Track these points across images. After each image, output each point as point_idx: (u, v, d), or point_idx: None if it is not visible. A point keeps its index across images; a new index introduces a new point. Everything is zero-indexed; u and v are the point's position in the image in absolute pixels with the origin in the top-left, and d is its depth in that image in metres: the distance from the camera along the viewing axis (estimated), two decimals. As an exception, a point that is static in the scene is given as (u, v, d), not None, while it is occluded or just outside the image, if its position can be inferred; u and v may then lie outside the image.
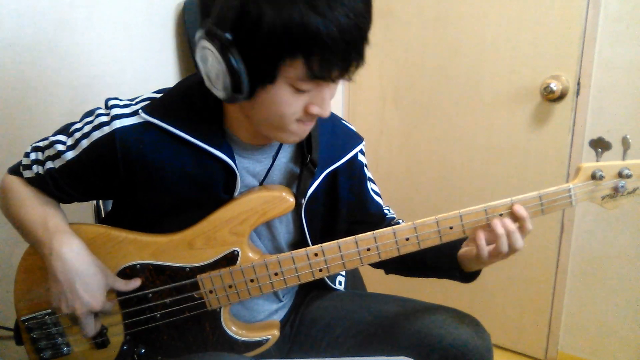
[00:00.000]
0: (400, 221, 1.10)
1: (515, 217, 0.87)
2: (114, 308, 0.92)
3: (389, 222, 1.09)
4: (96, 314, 0.89)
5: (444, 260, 0.97)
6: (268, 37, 0.69)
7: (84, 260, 0.85)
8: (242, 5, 0.68)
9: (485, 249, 0.87)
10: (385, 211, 1.10)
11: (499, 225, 0.86)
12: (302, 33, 0.67)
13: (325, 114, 0.79)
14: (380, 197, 1.10)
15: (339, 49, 0.69)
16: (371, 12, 0.74)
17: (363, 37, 0.72)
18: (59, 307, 0.87)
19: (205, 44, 0.73)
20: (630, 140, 0.89)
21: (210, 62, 0.74)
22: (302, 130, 0.83)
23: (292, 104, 0.77)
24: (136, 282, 0.91)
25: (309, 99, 0.78)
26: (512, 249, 0.87)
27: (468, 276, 0.98)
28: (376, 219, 1.08)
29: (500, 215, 0.88)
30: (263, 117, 0.80)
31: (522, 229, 0.87)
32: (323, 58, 0.70)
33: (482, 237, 0.87)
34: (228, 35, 0.71)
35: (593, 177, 0.90)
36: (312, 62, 0.70)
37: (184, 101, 0.87)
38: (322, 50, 0.69)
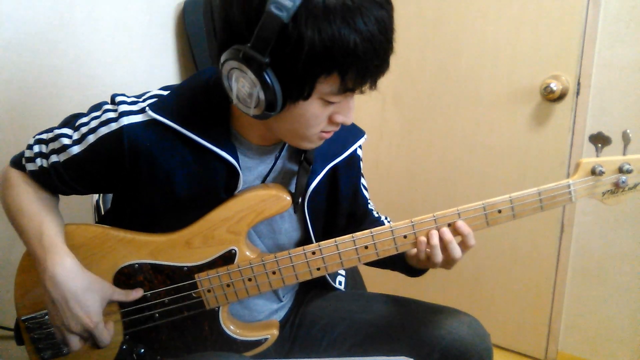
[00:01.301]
0: (383, 217, 1.13)
1: (457, 233, 0.88)
2: (113, 307, 0.92)
3: (372, 217, 1.11)
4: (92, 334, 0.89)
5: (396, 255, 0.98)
6: (308, 58, 0.69)
7: (76, 279, 0.85)
8: (282, 29, 0.68)
9: (424, 252, 0.89)
10: (370, 207, 1.12)
11: (434, 237, 0.88)
12: (340, 50, 0.69)
13: (349, 122, 0.82)
14: (367, 191, 1.12)
15: (372, 61, 0.72)
16: (394, 22, 0.77)
17: (391, 48, 0.76)
18: (55, 325, 0.88)
19: (238, 64, 0.72)
20: (630, 135, 0.88)
21: (243, 83, 0.74)
22: (323, 138, 0.85)
23: (319, 115, 0.79)
24: (137, 293, 0.92)
25: (334, 109, 0.80)
26: (451, 259, 0.88)
27: (412, 271, 1.00)
28: (361, 212, 1.10)
29: (499, 211, 0.87)
30: (288, 128, 0.82)
31: (464, 244, 0.89)
32: (358, 72, 0.73)
33: (422, 240, 0.88)
34: (267, 59, 0.70)
35: (593, 172, 0.89)
36: (347, 77, 0.73)
37: (191, 100, 0.87)
38: (357, 65, 0.71)
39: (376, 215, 1.12)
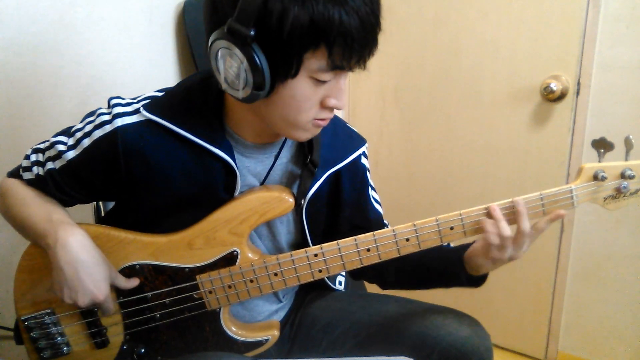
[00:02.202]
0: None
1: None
2: (114, 307, 0.92)
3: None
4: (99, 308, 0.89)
5: (449, 263, 0.95)
6: (292, 31, 0.69)
7: (88, 250, 0.85)
8: (265, 1, 0.68)
9: (494, 234, 0.86)
10: (385, 222, 1.09)
11: (496, 210, 0.86)
12: (325, 24, 0.69)
13: (342, 106, 0.81)
14: (380, 205, 1.09)
15: (359, 36, 0.71)
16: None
17: (379, 24, 0.74)
18: (62, 298, 0.86)
19: (225, 43, 0.72)
20: (633, 140, 0.88)
21: (230, 61, 0.73)
22: (317, 126, 0.83)
23: (310, 97, 0.77)
24: (135, 281, 0.91)
25: (325, 92, 0.78)
26: (519, 238, 0.88)
27: (475, 280, 0.96)
28: (375, 227, 1.07)
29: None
30: (279, 114, 0.80)
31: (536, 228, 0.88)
32: (345, 47, 0.72)
33: (489, 223, 0.86)
34: (251, 32, 0.70)
35: (595, 177, 0.89)
36: (334, 52, 0.72)
37: (186, 100, 0.87)
38: (344, 39, 0.71)
39: None
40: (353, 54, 0.73)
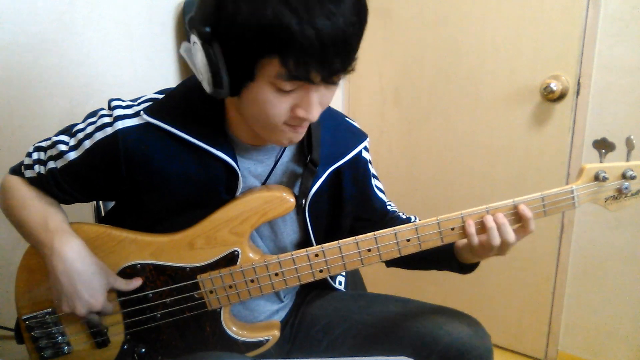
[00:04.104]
0: (401, 214, 1.09)
1: (518, 217, 0.87)
2: (114, 307, 0.92)
3: (391, 216, 1.09)
4: (98, 313, 0.89)
5: (441, 250, 0.96)
6: (243, 34, 0.68)
7: (84, 260, 0.85)
8: (220, 1, 0.68)
9: (475, 237, 0.88)
10: (388, 207, 1.10)
11: (489, 220, 0.86)
12: (275, 32, 0.66)
13: (311, 118, 0.76)
14: (384, 193, 1.10)
15: (315, 51, 0.67)
16: (362, 18, 0.71)
17: (347, 42, 0.69)
18: (59, 307, 0.87)
19: (192, 38, 0.74)
20: (634, 141, 0.88)
21: (195, 54, 0.75)
22: (293, 133, 0.81)
23: (276, 104, 0.75)
24: (137, 282, 0.91)
25: (294, 101, 0.75)
26: (505, 243, 0.87)
27: (465, 267, 0.98)
28: (379, 215, 1.08)
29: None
30: (252, 117, 0.80)
31: (523, 229, 0.88)
32: (299, 59, 0.68)
33: (471, 224, 0.87)
34: (207, 29, 0.70)
35: (596, 178, 0.89)
36: (289, 62, 0.68)
37: (186, 102, 0.87)
38: (297, 51, 0.67)
39: (404, 217, 1.09)
40: (310, 68, 0.69)
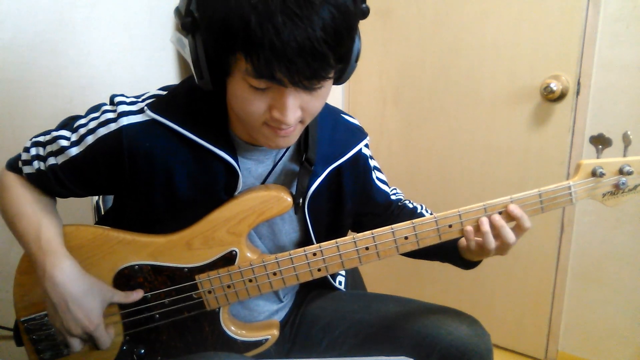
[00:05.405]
0: (407, 202, 1.09)
1: (510, 217, 0.87)
2: (113, 309, 0.92)
3: (396, 207, 1.09)
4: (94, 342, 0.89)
5: (445, 245, 0.95)
6: (211, 26, 0.69)
7: (76, 282, 0.85)
8: None
9: (472, 240, 0.88)
10: (392, 197, 1.09)
11: (484, 223, 0.86)
12: (235, 26, 0.65)
13: (286, 121, 0.74)
14: (387, 184, 1.09)
15: (278, 51, 0.64)
16: (338, 24, 0.66)
17: (316, 49, 0.65)
18: (55, 327, 0.88)
19: (179, 27, 0.75)
20: (631, 136, 0.88)
21: (185, 45, 0.75)
22: (278, 137, 0.79)
23: (252, 101, 0.74)
24: (138, 294, 0.91)
25: (270, 101, 0.74)
26: (505, 244, 0.87)
27: (469, 264, 0.98)
28: (382, 208, 1.08)
29: (500, 213, 0.87)
30: (237, 113, 0.80)
31: (519, 227, 0.87)
32: (260, 57, 0.66)
33: (469, 229, 0.88)
34: (188, 19, 0.72)
35: (593, 174, 0.89)
36: (253, 59, 0.66)
37: (189, 100, 0.87)
38: (257, 48, 0.65)
39: (411, 206, 1.08)
40: (275, 68, 0.66)
